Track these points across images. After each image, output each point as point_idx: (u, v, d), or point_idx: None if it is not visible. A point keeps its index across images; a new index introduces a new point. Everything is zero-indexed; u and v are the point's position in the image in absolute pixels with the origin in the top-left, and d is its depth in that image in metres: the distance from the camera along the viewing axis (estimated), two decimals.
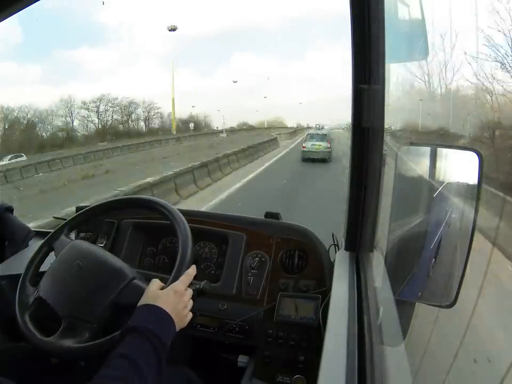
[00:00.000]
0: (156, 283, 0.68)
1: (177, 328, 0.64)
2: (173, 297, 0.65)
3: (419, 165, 0.82)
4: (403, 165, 0.75)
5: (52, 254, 0.85)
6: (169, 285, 0.68)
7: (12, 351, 0.87)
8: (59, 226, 0.89)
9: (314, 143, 10.98)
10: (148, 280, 0.74)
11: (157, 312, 0.62)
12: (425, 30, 0.77)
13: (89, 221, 0.96)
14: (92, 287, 0.73)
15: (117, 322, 0.70)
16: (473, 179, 0.59)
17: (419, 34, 0.78)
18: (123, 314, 0.69)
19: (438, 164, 0.76)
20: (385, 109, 0.76)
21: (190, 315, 0.69)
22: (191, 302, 0.69)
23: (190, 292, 0.69)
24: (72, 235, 0.92)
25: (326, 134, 11.63)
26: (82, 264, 0.76)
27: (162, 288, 0.68)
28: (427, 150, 0.82)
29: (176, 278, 0.70)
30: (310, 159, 10.70)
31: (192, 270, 0.72)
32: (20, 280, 0.82)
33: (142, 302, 0.64)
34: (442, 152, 0.78)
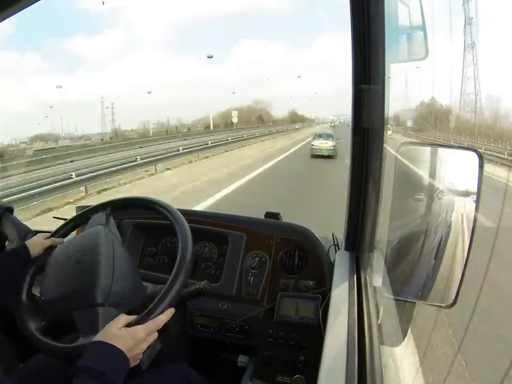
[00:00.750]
0: (121, 319, 0.66)
1: (131, 365, 0.62)
2: (130, 342, 0.62)
3: (419, 165, 0.82)
4: (403, 165, 0.75)
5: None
6: (137, 321, 0.66)
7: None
8: (105, 202, 0.89)
9: (321, 141, 12.03)
10: (147, 280, 0.74)
11: (110, 352, 0.60)
12: (425, 30, 0.77)
13: (126, 209, 0.95)
14: (71, 288, 0.73)
15: (69, 332, 0.72)
16: (473, 179, 0.59)
17: (419, 34, 0.78)
18: (72, 330, 0.70)
19: (438, 164, 0.76)
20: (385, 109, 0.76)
21: (139, 357, 0.65)
22: (147, 344, 0.65)
23: (152, 337, 0.66)
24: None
25: (332, 134, 12.75)
26: (80, 259, 0.75)
27: (129, 325, 0.65)
28: (427, 150, 0.82)
29: (168, 289, 0.69)
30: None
31: (165, 316, 0.68)
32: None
33: (98, 337, 0.62)
34: (442, 152, 0.78)
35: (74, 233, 0.90)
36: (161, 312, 0.67)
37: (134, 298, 0.73)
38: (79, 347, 0.66)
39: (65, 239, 0.87)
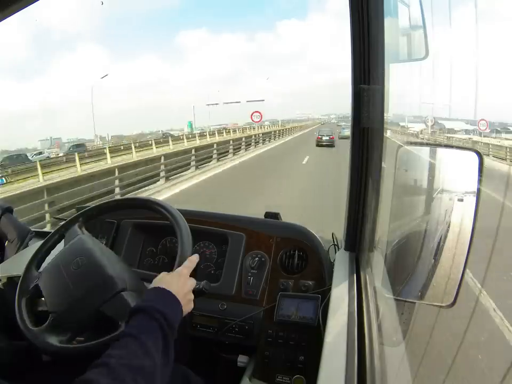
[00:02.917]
0: (163, 273, 0.70)
1: (184, 312, 0.65)
2: (178, 280, 0.67)
3: (419, 165, 0.82)
4: (403, 165, 0.75)
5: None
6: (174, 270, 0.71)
7: (5, 348, 0.87)
8: (74, 216, 0.89)
9: (323, 135, 18.72)
10: (147, 280, 0.74)
11: (163, 294, 0.63)
12: (425, 30, 0.77)
13: (101, 215, 0.94)
14: (82, 289, 0.73)
15: (100, 331, 0.70)
16: (473, 179, 0.59)
17: (419, 34, 0.78)
18: (106, 324, 0.69)
19: (437, 164, 0.76)
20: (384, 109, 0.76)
21: (192, 303, 0.70)
22: (193, 283, 0.71)
23: (192, 279, 0.71)
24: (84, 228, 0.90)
25: (330, 130, 20.62)
26: (81, 263, 0.75)
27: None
28: (427, 150, 0.83)
29: (179, 265, 0.72)
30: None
31: (195, 257, 0.74)
32: (27, 263, 0.83)
33: (150, 286, 0.66)
34: (442, 152, 0.78)
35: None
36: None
37: (141, 291, 0.74)
38: (120, 335, 0.66)
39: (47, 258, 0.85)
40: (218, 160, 12.54)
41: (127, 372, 0.49)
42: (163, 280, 0.67)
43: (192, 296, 0.70)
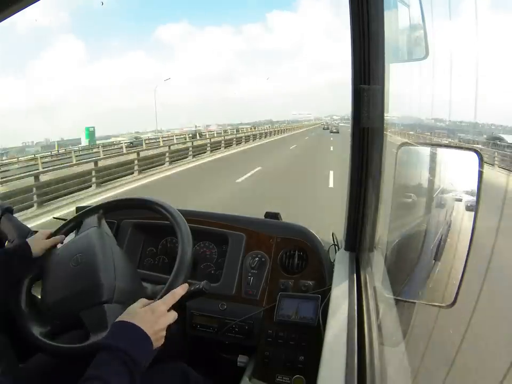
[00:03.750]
0: (141, 301, 0.66)
1: (154, 347, 0.62)
2: (151, 316, 0.62)
3: (419, 165, 0.82)
4: (403, 165, 0.75)
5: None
6: (157, 300, 0.66)
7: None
8: (96, 205, 0.89)
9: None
10: (147, 280, 0.74)
11: (131, 330, 0.59)
12: (425, 30, 0.77)
13: (120, 210, 0.93)
14: (70, 289, 0.73)
15: (73, 335, 0.71)
16: (473, 179, 0.59)
17: (419, 34, 0.78)
18: (80, 330, 0.70)
19: (437, 164, 0.76)
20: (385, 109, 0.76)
21: (163, 339, 0.65)
22: (169, 320, 0.65)
23: (172, 314, 0.66)
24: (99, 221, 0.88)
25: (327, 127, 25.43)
26: (80, 260, 0.75)
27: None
28: (427, 150, 0.82)
29: (169, 289, 0.69)
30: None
31: (181, 290, 0.69)
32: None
33: (119, 318, 0.62)
34: (442, 152, 0.78)
35: (69, 237, 0.89)
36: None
37: (136, 297, 0.74)
38: (90, 345, 0.66)
39: (58, 246, 0.86)
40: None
41: None
42: (134, 313, 0.63)
43: (164, 333, 0.64)
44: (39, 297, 0.78)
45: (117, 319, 0.62)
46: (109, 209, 0.91)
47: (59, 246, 0.85)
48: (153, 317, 0.62)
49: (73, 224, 0.88)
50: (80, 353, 0.67)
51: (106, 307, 0.70)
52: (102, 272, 0.73)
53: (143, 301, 0.66)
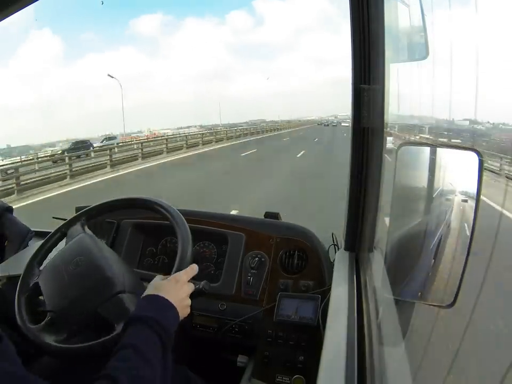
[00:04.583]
0: (159, 277, 0.70)
1: (180, 317, 0.65)
2: (174, 286, 0.67)
3: (419, 164, 0.82)
4: (403, 165, 0.75)
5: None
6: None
7: None
8: (77, 214, 0.89)
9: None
10: (146, 280, 0.74)
11: (157, 301, 0.63)
12: (425, 30, 0.77)
13: (102, 215, 0.94)
14: (80, 289, 0.72)
15: (95, 332, 0.70)
16: (473, 179, 0.59)
17: (419, 34, 0.78)
18: (101, 325, 0.69)
19: (437, 164, 0.75)
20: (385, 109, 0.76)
21: (188, 308, 0.69)
22: (191, 290, 0.70)
23: (191, 285, 0.70)
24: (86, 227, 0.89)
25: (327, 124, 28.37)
26: (80, 263, 0.75)
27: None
28: (427, 149, 0.82)
29: (178, 270, 0.72)
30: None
31: (195, 266, 0.74)
32: (29, 260, 0.82)
33: (145, 293, 0.66)
34: (442, 152, 0.78)
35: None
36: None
37: (142, 289, 0.74)
38: (115, 337, 0.65)
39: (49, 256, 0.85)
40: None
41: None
42: (158, 285, 0.67)
43: (189, 302, 0.69)
44: (41, 309, 0.76)
45: (143, 295, 0.65)
46: (108, 210, 0.91)
47: (46, 261, 0.83)
48: (177, 286, 0.67)
49: (59, 235, 0.87)
50: (103, 348, 0.67)
51: (123, 297, 0.71)
52: (108, 267, 0.74)
53: (160, 276, 0.70)
